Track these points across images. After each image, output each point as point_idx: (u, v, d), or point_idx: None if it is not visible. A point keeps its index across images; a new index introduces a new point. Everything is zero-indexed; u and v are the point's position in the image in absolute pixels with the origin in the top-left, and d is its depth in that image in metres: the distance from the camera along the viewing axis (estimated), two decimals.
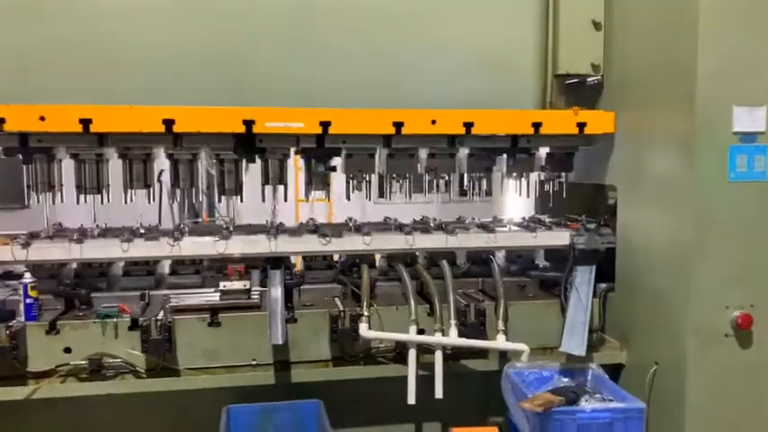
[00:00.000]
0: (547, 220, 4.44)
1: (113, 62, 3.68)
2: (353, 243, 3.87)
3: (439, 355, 3.56)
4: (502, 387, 3.35)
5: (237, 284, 3.65)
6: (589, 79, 4.13)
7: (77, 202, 3.77)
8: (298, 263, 4.35)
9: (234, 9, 3.79)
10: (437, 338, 3.56)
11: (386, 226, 4.24)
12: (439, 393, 3.50)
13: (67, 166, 3.78)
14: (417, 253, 4.13)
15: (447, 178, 4.14)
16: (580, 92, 4.14)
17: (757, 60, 3.20)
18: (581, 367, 3.49)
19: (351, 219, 4.40)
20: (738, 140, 3.20)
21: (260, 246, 3.75)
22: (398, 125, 3.63)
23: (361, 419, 3.73)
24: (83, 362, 3.36)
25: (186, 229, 4.01)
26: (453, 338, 3.55)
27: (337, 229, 3.96)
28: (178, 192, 3.96)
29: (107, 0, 3.69)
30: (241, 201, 3.92)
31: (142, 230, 3.88)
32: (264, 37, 3.81)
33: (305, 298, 3.89)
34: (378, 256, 4.23)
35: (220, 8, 3.78)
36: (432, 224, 4.14)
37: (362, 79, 3.87)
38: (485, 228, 4.10)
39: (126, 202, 3.78)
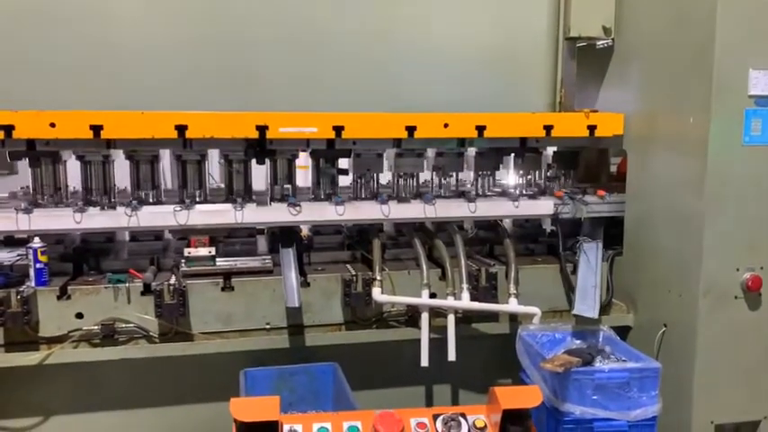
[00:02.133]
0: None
1: (122, 67, 3.64)
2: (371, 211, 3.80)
3: (451, 319, 3.58)
4: (516, 349, 3.39)
5: (203, 251, 3.59)
6: (599, 42, 4.10)
7: (84, 204, 3.62)
8: (303, 227, 4.31)
9: (243, 13, 3.76)
10: (449, 302, 3.58)
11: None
12: (452, 356, 3.53)
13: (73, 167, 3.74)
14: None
15: (453, 177, 4.15)
16: (590, 57, 4.12)
17: None
18: (593, 329, 3.53)
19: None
20: (754, 104, 3.21)
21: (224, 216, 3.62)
22: (411, 129, 3.61)
23: (374, 382, 3.75)
24: (95, 327, 3.33)
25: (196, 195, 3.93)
26: (465, 302, 3.57)
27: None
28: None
29: (116, 4, 3.65)
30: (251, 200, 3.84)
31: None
32: (273, 40, 3.79)
33: (315, 263, 3.88)
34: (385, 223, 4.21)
35: (229, 12, 3.75)
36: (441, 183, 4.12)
37: (369, 81, 3.88)
38: (463, 195, 4.03)
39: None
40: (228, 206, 3.64)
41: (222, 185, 4.05)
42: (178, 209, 3.52)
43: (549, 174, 4.30)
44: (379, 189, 4.00)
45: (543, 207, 3.97)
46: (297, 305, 3.34)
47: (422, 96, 3.88)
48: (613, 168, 4.72)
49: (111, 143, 3.53)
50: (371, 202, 3.82)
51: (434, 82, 3.97)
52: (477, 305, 3.59)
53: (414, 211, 3.82)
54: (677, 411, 3.35)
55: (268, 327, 3.54)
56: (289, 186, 3.90)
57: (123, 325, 3.38)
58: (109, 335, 3.35)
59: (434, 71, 3.98)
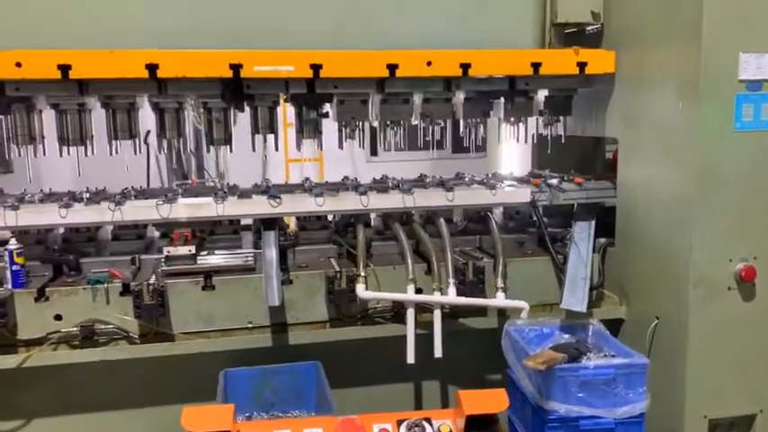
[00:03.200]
0: (547, 175, 4.33)
1: (94, 5, 3.47)
2: (351, 202, 3.75)
3: (438, 314, 3.50)
4: (502, 345, 3.31)
5: (183, 249, 3.52)
6: (589, 27, 3.99)
7: (60, 155, 3.59)
8: (291, 223, 4.25)
9: None
10: (435, 297, 3.50)
11: (382, 184, 4.10)
12: (438, 353, 3.46)
13: (49, 119, 3.61)
14: (413, 211, 4.03)
15: (442, 124, 4.01)
16: (579, 41, 4.00)
17: (765, 4, 3.07)
18: (582, 323, 3.44)
19: (346, 178, 4.29)
20: (745, 89, 3.10)
21: (207, 209, 3.57)
22: (393, 67, 3.47)
23: (360, 380, 3.69)
24: (74, 329, 3.27)
25: (180, 191, 3.87)
26: (452, 297, 3.49)
27: (332, 189, 3.86)
28: (165, 147, 3.81)
29: None
30: (230, 151, 3.76)
31: (87, 195, 3.72)
32: None
33: (300, 259, 3.80)
34: (372, 215, 4.14)
35: None
36: (428, 181, 4.03)
37: (353, 20, 3.67)
38: (443, 185, 3.95)
39: (111, 154, 3.63)
40: (209, 200, 3.61)
41: (215, 181, 3.98)
42: (160, 202, 3.49)
43: (540, 121, 4.15)
44: (366, 139, 3.90)
45: (521, 195, 3.89)
46: (277, 304, 3.27)
47: (405, 33, 3.70)
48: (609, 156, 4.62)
49: (84, 88, 3.40)
50: (352, 193, 3.78)
51: (417, 21, 3.77)
52: (463, 300, 3.51)
53: (393, 201, 3.76)
54: (670, 406, 3.27)
55: (251, 326, 3.48)
56: (271, 136, 3.78)
57: (103, 326, 3.32)
58: (88, 336, 3.29)
59: (422, 10, 3.79)
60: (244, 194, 3.80)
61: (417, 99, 3.90)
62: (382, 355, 3.63)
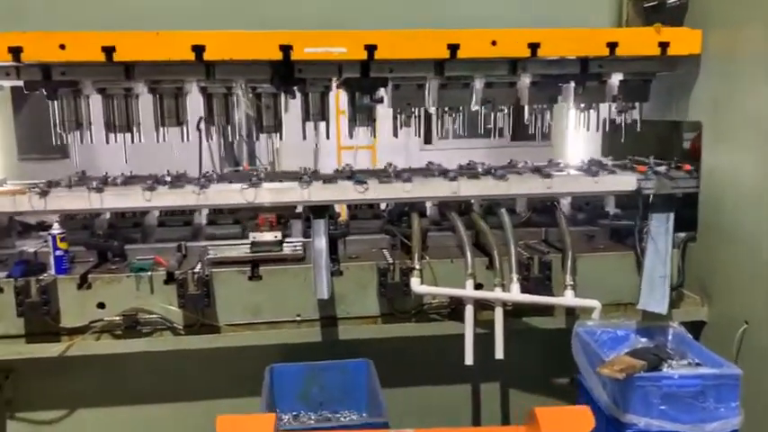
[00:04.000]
0: (610, 163, 4.00)
1: None
2: (392, 190, 3.50)
3: (499, 312, 3.23)
4: (572, 348, 3.01)
5: (268, 236, 3.36)
6: (670, 1, 3.61)
7: (107, 141, 3.50)
8: (343, 212, 4.04)
9: None
10: (497, 294, 3.23)
11: (428, 171, 3.87)
12: (499, 354, 3.19)
13: (96, 104, 3.51)
14: (472, 201, 3.75)
15: (505, 110, 3.70)
16: (660, 16, 3.63)
17: None
18: (661, 326, 3.11)
19: (390, 164, 4.04)
20: None
21: (291, 194, 3.43)
22: (453, 48, 3.20)
23: (413, 380, 3.47)
24: (117, 318, 3.16)
25: (215, 176, 3.74)
26: (515, 294, 3.21)
27: (375, 176, 3.63)
28: (214, 133, 3.66)
29: None
30: (280, 138, 3.60)
31: (168, 178, 3.63)
32: None
33: (351, 249, 3.59)
34: (428, 205, 3.88)
35: None
36: (480, 169, 3.73)
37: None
38: (539, 172, 3.67)
39: (158, 141, 3.52)
40: (294, 184, 3.48)
41: (266, 168, 3.80)
42: (245, 186, 3.37)
43: (614, 108, 3.81)
44: (422, 127, 3.67)
45: (624, 182, 3.55)
46: (326, 296, 3.07)
47: (467, 12, 3.43)
48: (687, 145, 4.23)
49: (130, 72, 3.30)
50: (441, 179, 3.57)
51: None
52: (527, 298, 3.23)
53: (483, 187, 3.52)
54: (761, 425, 2.91)
55: (299, 319, 3.29)
56: (323, 124, 3.58)
57: (147, 316, 3.20)
58: (131, 326, 3.18)
59: None
60: (328, 180, 3.63)
61: (479, 83, 3.63)
62: (438, 354, 3.39)
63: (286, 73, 3.31)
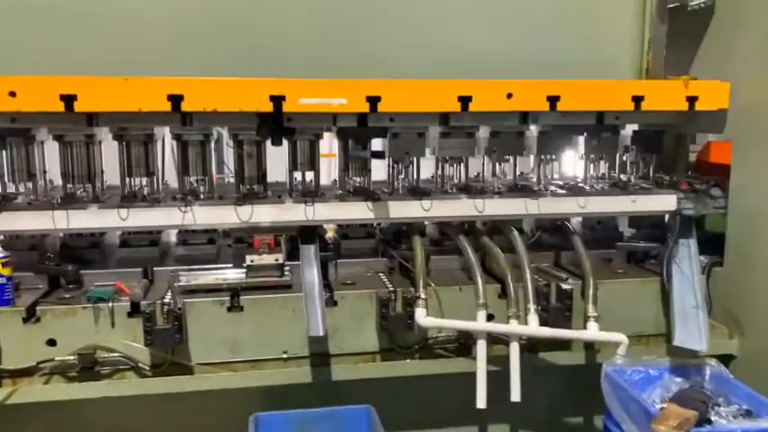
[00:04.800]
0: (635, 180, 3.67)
1: (104, 22, 2.91)
2: (409, 208, 3.08)
3: (515, 349, 2.87)
4: (602, 389, 2.66)
5: (268, 258, 2.92)
6: (693, 3, 3.32)
7: (63, 191, 3.03)
8: (329, 229, 3.61)
9: None
10: (513, 327, 2.85)
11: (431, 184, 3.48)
12: (516, 396, 2.83)
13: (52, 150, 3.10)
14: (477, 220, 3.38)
15: (510, 160, 3.42)
16: (681, 22, 3.34)
17: None
18: (696, 363, 2.78)
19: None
20: None
21: (292, 213, 2.97)
22: (465, 100, 2.87)
23: (417, 424, 3.07)
24: (71, 357, 2.69)
25: (201, 190, 3.25)
26: (534, 327, 2.85)
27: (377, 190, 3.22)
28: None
29: None
30: (264, 190, 3.16)
31: (146, 190, 3.14)
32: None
33: (343, 273, 3.18)
34: (426, 223, 3.49)
35: None
36: (497, 184, 3.35)
37: (411, 41, 3.12)
38: (569, 189, 3.32)
39: (124, 193, 3.05)
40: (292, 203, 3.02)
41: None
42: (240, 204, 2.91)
43: (625, 159, 3.53)
44: (419, 179, 3.33)
45: (663, 202, 3.23)
46: (321, 334, 2.64)
47: (475, 59, 3.11)
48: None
49: (93, 119, 2.87)
50: (462, 197, 3.16)
51: (491, 39, 3.18)
52: (548, 331, 2.86)
53: (512, 206, 3.15)
54: None
55: (285, 356, 2.86)
56: (311, 174, 3.21)
57: (106, 354, 2.73)
58: (88, 367, 2.71)
59: (491, 26, 3.21)
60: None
61: (484, 132, 3.32)
62: (444, 394, 3.00)
63: (275, 122, 2.89)
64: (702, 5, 3.28)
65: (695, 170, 3.70)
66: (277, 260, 2.93)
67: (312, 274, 2.82)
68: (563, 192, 3.28)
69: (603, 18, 3.30)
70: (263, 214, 2.93)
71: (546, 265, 3.29)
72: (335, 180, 3.52)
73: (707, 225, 3.44)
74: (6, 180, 3.02)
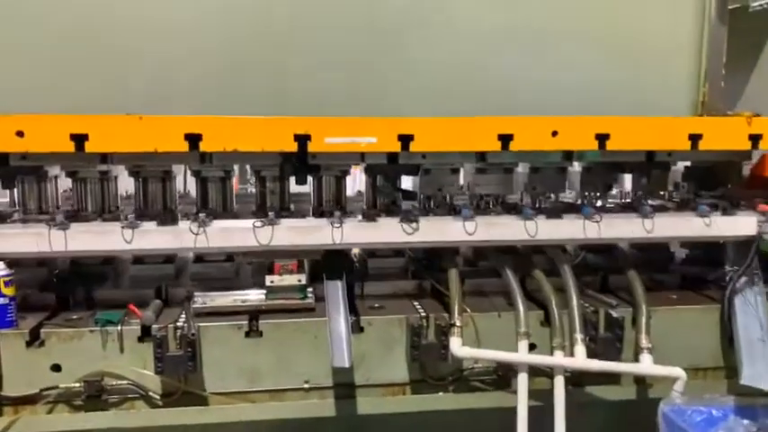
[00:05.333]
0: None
1: (116, 58, 2.72)
2: (449, 232, 2.76)
3: (560, 383, 2.60)
4: (659, 430, 2.38)
5: (290, 279, 2.70)
6: (755, 3, 3.04)
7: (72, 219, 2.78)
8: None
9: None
10: (559, 359, 2.59)
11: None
12: None
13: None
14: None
15: (551, 197, 3.19)
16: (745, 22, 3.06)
17: None
18: (765, 403, 2.49)
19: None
20: None
21: (318, 235, 2.67)
22: (506, 139, 2.65)
23: None
24: (77, 384, 2.50)
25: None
26: (581, 359, 2.58)
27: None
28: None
29: None
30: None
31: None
32: (313, 22, 2.82)
33: (368, 292, 2.95)
34: None
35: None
36: (540, 204, 3.10)
37: (445, 76, 2.88)
38: (632, 209, 3.01)
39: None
40: (322, 221, 2.77)
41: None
42: (258, 224, 2.63)
43: (674, 196, 3.27)
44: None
45: (743, 225, 2.89)
46: (347, 365, 2.41)
47: (516, 93, 2.88)
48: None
49: (106, 156, 2.71)
50: (511, 217, 2.85)
51: (533, 70, 2.94)
52: (597, 364, 2.59)
53: (569, 229, 2.81)
54: None
55: (307, 386, 2.63)
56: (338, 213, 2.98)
57: (115, 382, 2.53)
58: (95, 395, 2.52)
59: (532, 55, 2.97)
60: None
61: (523, 168, 3.11)
62: (481, 431, 2.73)
63: (299, 160, 2.69)
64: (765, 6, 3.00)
65: (748, 185, 3.41)
66: (300, 281, 2.70)
67: (336, 298, 2.62)
68: (622, 212, 2.98)
69: (655, 48, 3.03)
70: (284, 237, 2.66)
71: (590, 290, 3.00)
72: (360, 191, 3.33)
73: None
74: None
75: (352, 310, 2.74)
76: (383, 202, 3.05)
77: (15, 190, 2.89)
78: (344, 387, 2.65)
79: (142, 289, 2.85)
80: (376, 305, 2.82)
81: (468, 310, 2.70)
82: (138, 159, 2.79)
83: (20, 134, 2.42)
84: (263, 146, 2.56)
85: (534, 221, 2.74)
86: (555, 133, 2.69)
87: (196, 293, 2.75)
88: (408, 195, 2.99)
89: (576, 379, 2.73)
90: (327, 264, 2.83)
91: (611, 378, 2.77)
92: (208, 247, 2.61)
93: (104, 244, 2.58)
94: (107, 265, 3.04)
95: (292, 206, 3.05)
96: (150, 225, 2.63)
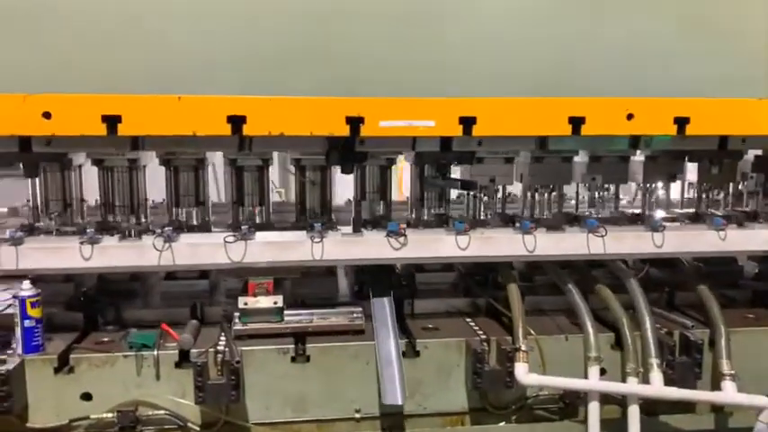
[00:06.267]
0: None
1: (151, 34, 2.41)
2: (439, 246, 2.54)
3: (635, 412, 2.38)
4: None
5: (265, 300, 2.47)
6: None
7: (103, 226, 2.61)
8: None
9: None
10: (635, 387, 2.37)
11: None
12: None
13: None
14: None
15: (611, 191, 2.99)
16: None
17: None
18: None
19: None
20: None
21: (297, 251, 2.46)
22: (577, 122, 2.41)
23: None
24: (109, 414, 2.29)
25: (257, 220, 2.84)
26: (658, 387, 2.36)
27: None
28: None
29: None
30: (329, 221, 2.75)
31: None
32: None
33: (420, 313, 2.74)
34: None
35: None
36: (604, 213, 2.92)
37: (509, 54, 2.56)
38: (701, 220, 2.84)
39: (170, 226, 2.58)
40: (301, 235, 2.52)
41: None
42: (230, 239, 2.39)
43: (743, 186, 3.05)
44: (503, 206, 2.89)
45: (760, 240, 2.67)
46: (400, 402, 2.21)
47: (583, 75, 2.60)
48: None
49: (137, 142, 2.46)
50: (572, 232, 2.65)
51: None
52: (675, 392, 2.37)
53: (633, 243, 2.62)
54: None
55: (358, 416, 2.41)
56: (381, 204, 2.79)
57: (150, 412, 2.32)
58: (129, 426, 2.30)
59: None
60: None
61: (583, 157, 2.88)
62: None
63: (346, 146, 2.46)
64: None
65: None
66: (275, 303, 2.47)
67: (388, 341, 2.39)
68: (688, 223, 2.79)
69: (735, 25, 2.77)
70: (259, 253, 2.44)
71: (658, 308, 2.78)
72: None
73: None
74: (40, 211, 2.66)
75: (403, 329, 2.53)
76: (430, 194, 2.82)
77: (37, 180, 2.65)
78: (398, 416, 2.43)
79: (175, 307, 2.64)
80: (429, 326, 2.60)
81: (533, 332, 2.48)
82: (172, 145, 2.57)
83: (46, 116, 2.18)
84: (312, 129, 2.32)
85: (533, 236, 2.53)
86: (630, 116, 2.44)
87: (235, 313, 2.53)
88: (467, 185, 2.73)
89: (648, 406, 2.50)
90: (374, 279, 2.62)
91: (686, 406, 2.55)
92: (174, 264, 2.40)
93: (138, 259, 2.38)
94: (136, 281, 2.83)
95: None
96: (187, 237, 2.44)
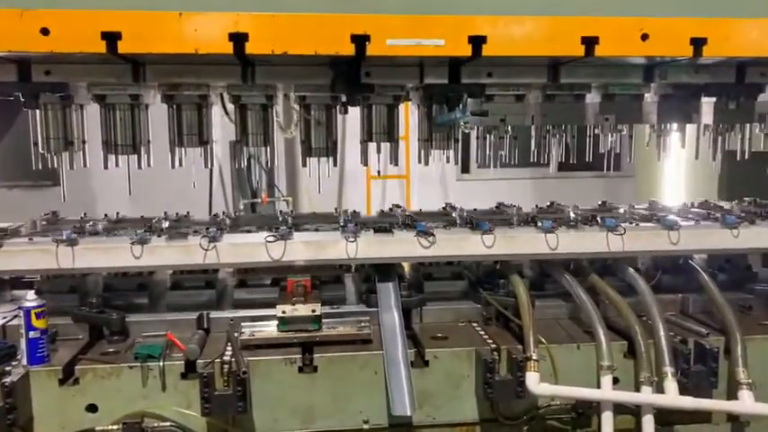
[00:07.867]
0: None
1: None
2: (466, 245, 2.66)
3: (649, 422, 2.33)
4: None
5: (303, 309, 2.45)
6: None
7: (105, 167, 2.72)
8: (405, 265, 3.13)
9: None
10: (649, 397, 2.32)
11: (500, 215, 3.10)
12: None
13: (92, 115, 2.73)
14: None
15: (624, 132, 2.98)
16: None
17: None
18: None
19: (449, 204, 3.31)
20: None
21: (332, 250, 2.57)
22: (590, 42, 2.34)
23: None
24: (114, 426, 2.24)
25: (227, 221, 2.96)
26: (674, 396, 2.30)
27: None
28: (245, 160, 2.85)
29: None
30: (335, 164, 2.84)
31: (166, 223, 2.87)
32: None
33: (428, 320, 2.70)
34: None
35: None
36: (571, 213, 2.90)
37: None
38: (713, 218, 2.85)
39: (173, 167, 2.74)
40: (336, 235, 2.65)
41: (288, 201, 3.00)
42: (270, 239, 2.51)
43: (759, 131, 2.98)
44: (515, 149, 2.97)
45: None
46: (409, 413, 2.17)
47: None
48: None
49: (138, 72, 2.48)
50: (531, 230, 2.71)
51: None
52: (691, 402, 2.31)
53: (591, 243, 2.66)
54: None
55: (366, 427, 2.37)
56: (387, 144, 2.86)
57: (156, 423, 2.28)
58: None
59: None
60: (382, 228, 2.77)
61: (595, 95, 2.85)
62: None
63: (351, 76, 2.43)
64: None
65: None
66: (314, 311, 2.46)
67: (396, 343, 2.37)
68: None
69: None
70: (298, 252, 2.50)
71: (671, 315, 2.74)
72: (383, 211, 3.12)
73: None
74: (41, 149, 2.66)
75: (412, 339, 2.50)
76: (438, 134, 2.86)
77: (38, 112, 2.62)
78: (407, 427, 2.39)
79: (181, 318, 2.61)
80: (438, 335, 2.56)
81: (544, 341, 2.44)
82: (173, 74, 2.56)
83: (44, 32, 2.15)
84: (317, 47, 2.26)
85: (555, 234, 2.57)
86: (645, 36, 2.36)
87: (242, 323, 2.51)
88: (478, 113, 2.64)
89: (663, 417, 2.45)
90: (378, 268, 2.66)
91: (702, 416, 2.49)
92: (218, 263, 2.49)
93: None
94: (142, 289, 2.80)
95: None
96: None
